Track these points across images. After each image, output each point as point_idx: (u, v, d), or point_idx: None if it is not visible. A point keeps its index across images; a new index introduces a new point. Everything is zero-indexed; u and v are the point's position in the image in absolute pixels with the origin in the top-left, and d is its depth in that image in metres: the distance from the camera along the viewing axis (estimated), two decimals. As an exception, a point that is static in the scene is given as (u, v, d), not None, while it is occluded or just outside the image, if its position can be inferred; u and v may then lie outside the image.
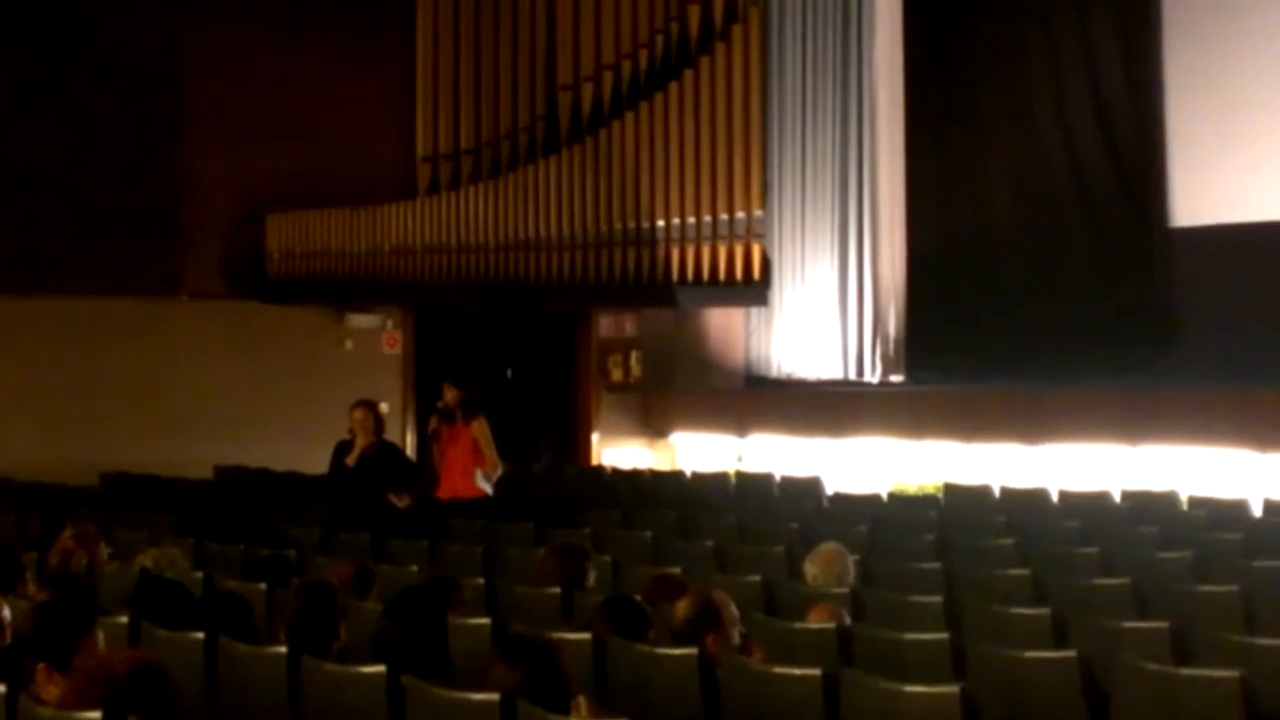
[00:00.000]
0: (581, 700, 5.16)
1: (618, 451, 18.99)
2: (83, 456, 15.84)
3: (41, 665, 4.94)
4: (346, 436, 12.41)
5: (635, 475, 16.11)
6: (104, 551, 8.90)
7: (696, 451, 18.81)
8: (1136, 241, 17.48)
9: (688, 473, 16.37)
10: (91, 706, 4.72)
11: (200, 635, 6.32)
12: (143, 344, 17.59)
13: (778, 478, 14.86)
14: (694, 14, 18.78)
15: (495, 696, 5.06)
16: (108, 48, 17.57)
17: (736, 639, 6.34)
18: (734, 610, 6.35)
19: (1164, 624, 7.03)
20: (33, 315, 17.13)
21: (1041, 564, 9.31)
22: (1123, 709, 5.85)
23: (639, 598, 7.03)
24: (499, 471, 12.92)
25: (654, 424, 19.44)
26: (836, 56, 19.07)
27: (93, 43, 17.52)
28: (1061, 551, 10.01)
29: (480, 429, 12.72)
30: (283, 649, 6.13)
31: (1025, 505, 12.56)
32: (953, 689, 5.38)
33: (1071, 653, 6.15)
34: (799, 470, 15.56)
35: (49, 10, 17.38)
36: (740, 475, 15.73)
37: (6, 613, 5.56)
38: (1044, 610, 7.55)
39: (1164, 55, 17.23)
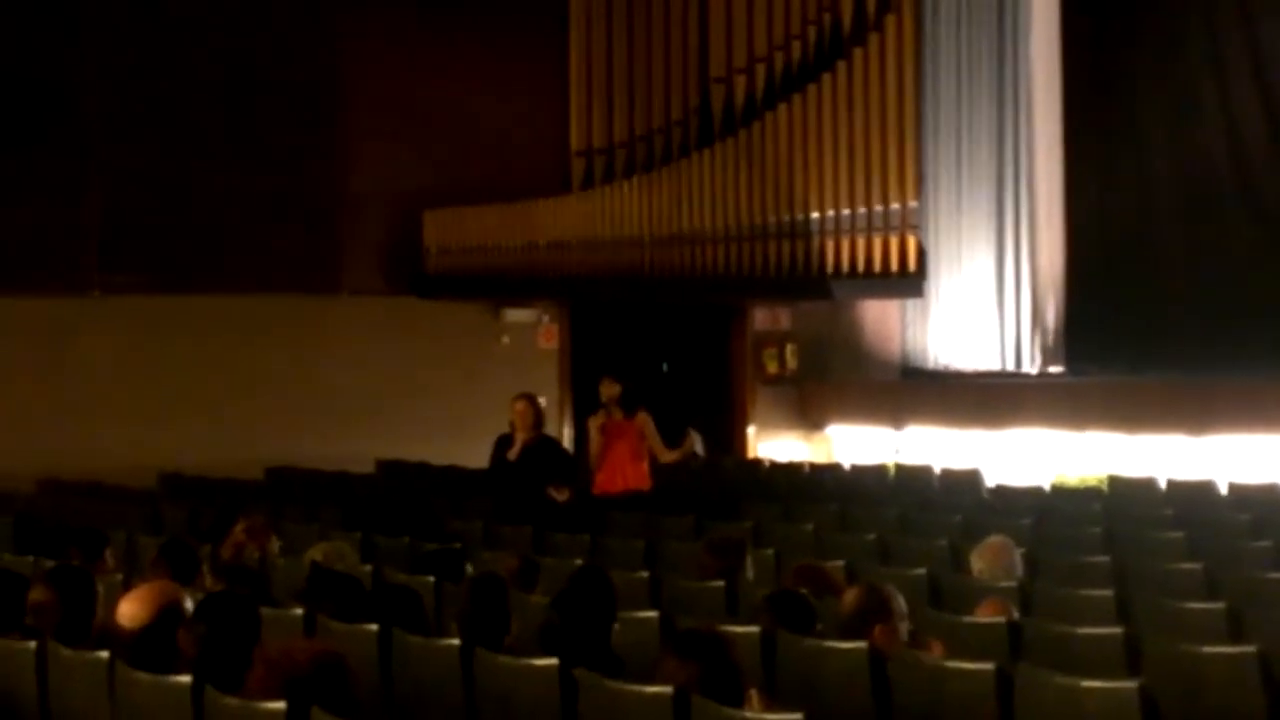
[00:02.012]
0: (754, 694, 5.15)
1: (774, 444, 18.94)
2: (247, 451, 16.08)
3: (257, 646, 5.01)
4: (505, 430, 12.51)
5: (794, 468, 16.06)
6: (275, 544, 9.06)
7: (853, 444, 18.71)
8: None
9: (846, 465, 16.28)
10: (274, 696, 4.77)
11: (374, 628, 6.40)
12: (304, 340, 17.88)
13: (937, 470, 14.73)
14: (846, 5, 18.63)
15: (669, 690, 5.06)
16: (267, 51, 17.87)
17: (905, 633, 6.29)
18: (902, 604, 6.30)
19: (1345, 619, 6.89)
20: (198, 314, 17.46)
21: (1213, 558, 9.13)
22: (1305, 706, 5.74)
23: (805, 590, 7.02)
24: (676, 457, 12.98)
25: (810, 417, 19.36)
26: (991, 44, 18.83)
27: (253, 47, 17.83)
28: (1233, 545, 9.82)
29: (646, 422, 12.77)
30: (455, 641, 6.19)
31: (1193, 498, 12.33)
32: (1131, 684, 5.30)
33: (1251, 648, 6.03)
34: (958, 462, 15.41)
35: (209, 17, 17.69)
36: (899, 468, 15.61)
37: (189, 604, 5.66)
38: (1219, 604, 7.42)
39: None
